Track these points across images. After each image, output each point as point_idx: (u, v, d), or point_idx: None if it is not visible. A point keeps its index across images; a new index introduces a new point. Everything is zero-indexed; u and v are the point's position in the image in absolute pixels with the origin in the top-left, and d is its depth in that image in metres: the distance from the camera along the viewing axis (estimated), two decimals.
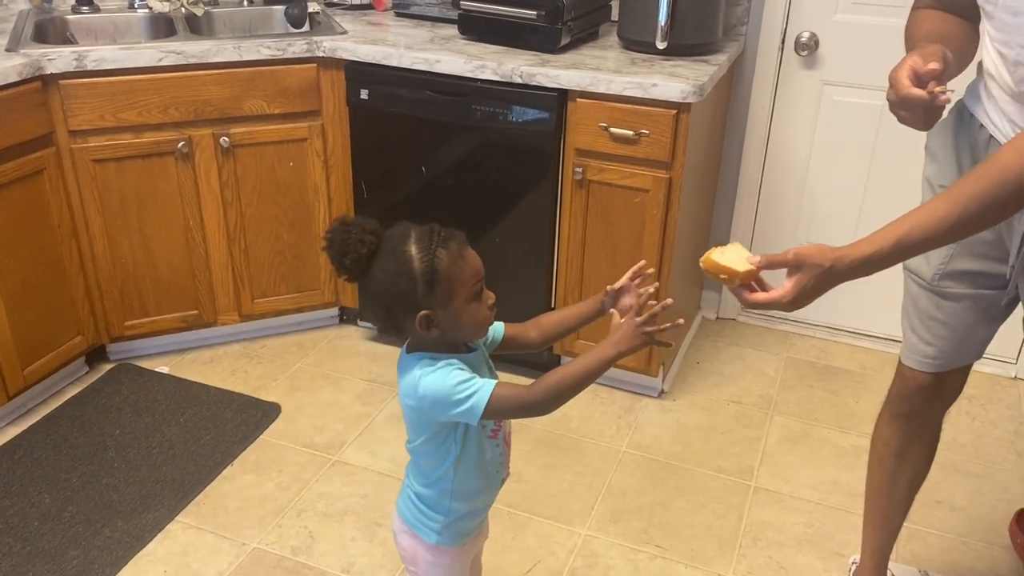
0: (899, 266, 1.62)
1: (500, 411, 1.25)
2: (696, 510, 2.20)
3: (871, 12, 2.54)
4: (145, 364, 2.71)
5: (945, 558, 2.07)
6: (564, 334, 1.47)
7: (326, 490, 2.23)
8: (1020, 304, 1.54)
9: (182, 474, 2.26)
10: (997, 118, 1.39)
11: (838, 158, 2.74)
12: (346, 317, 2.97)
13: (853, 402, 2.62)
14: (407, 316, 1.24)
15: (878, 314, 2.86)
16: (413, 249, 1.23)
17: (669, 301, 1.26)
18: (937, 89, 1.27)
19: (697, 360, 2.83)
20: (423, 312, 1.23)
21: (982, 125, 1.43)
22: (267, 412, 2.51)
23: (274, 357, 2.78)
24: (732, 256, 1.30)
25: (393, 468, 2.29)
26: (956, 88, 1.56)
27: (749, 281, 1.28)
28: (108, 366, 2.69)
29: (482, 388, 1.23)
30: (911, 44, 1.46)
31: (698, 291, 3.02)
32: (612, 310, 1.37)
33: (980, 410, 2.58)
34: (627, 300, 1.39)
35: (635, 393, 2.63)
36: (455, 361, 1.27)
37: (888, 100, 1.32)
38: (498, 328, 1.43)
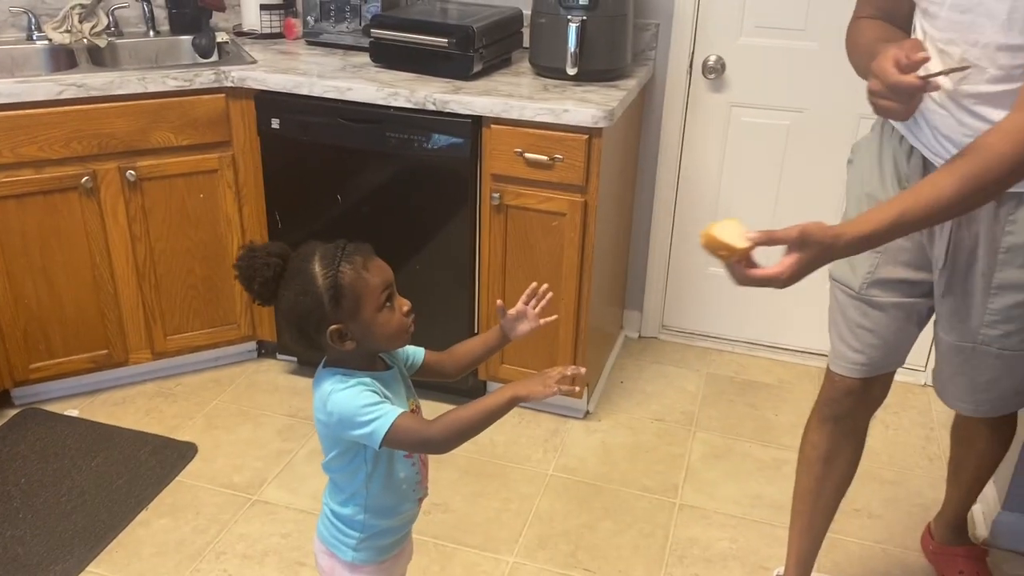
0: (822, 277, 1.67)
1: (400, 442, 1.27)
2: (623, 531, 2.20)
3: (774, 35, 2.63)
4: (53, 408, 2.59)
5: (865, 565, 2.11)
6: (474, 364, 1.50)
7: (246, 531, 2.17)
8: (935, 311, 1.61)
9: (93, 522, 2.17)
10: (917, 129, 1.44)
11: (748, 177, 2.81)
12: (264, 351, 2.90)
13: (772, 415, 2.68)
14: (319, 333, 1.26)
15: (793, 328, 2.93)
16: (316, 267, 1.25)
17: (583, 370, 1.28)
18: (930, 76, 1.28)
19: (621, 379, 2.86)
20: (334, 327, 1.25)
21: (903, 137, 1.48)
22: (183, 452, 2.43)
23: (190, 395, 2.70)
24: (731, 232, 1.30)
25: (315, 505, 2.23)
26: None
27: (746, 257, 1.29)
28: (12, 411, 2.57)
29: (386, 416, 1.24)
30: (858, 51, 1.50)
31: (619, 310, 3.05)
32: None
33: (893, 418, 2.66)
34: (524, 326, 1.44)
35: (560, 415, 2.63)
36: (368, 380, 1.29)
37: (871, 91, 1.31)
38: (418, 353, 1.46)
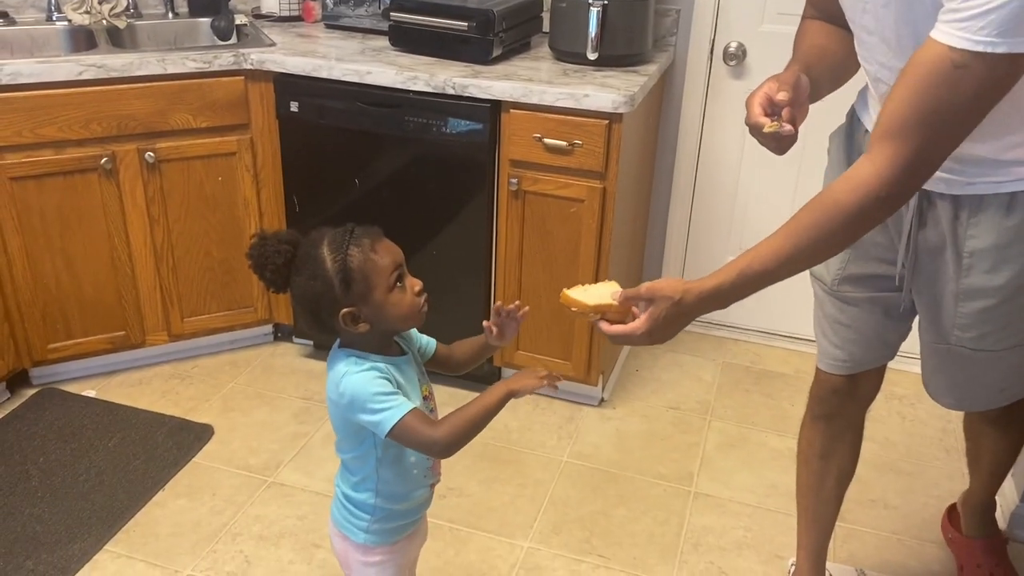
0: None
1: (406, 438, 1.28)
2: (637, 518, 2.20)
3: (795, 22, 2.59)
4: (70, 388, 2.61)
5: (881, 556, 2.11)
6: (472, 362, 1.51)
7: (262, 512, 2.18)
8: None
9: (111, 501, 2.18)
10: (867, 118, 1.45)
11: (768, 165, 2.79)
12: (281, 334, 2.91)
13: (788, 405, 2.66)
14: (331, 316, 1.28)
15: (808, 318, 2.91)
16: (325, 251, 1.27)
17: (562, 378, 1.34)
18: (771, 128, 1.30)
19: (636, 368, 2.85)
20: (346, 310, 1.27)
21: (867, 130, 1.46)
22: (199, 434, 2.44)
23: (206, 377, 2.71)
24: (596, 292, 1.34)
25: (331, 488, 2.21)
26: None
27: (603, 314, 1.31)
28: (31, 391, 2.59)
29: (396, 408, 1.26)
30: (794, 55, 1.50)
31: None
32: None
33: (910, 409, 2.64)
34: (509, 330, 1.43)
35: (575, 403, 2.63)
36: (382, 366, 1.30)
37: (745, 123, 1.34)
38: (431, 343, 1.48)
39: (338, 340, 1.36)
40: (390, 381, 1.29)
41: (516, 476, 2.33)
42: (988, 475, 1.94)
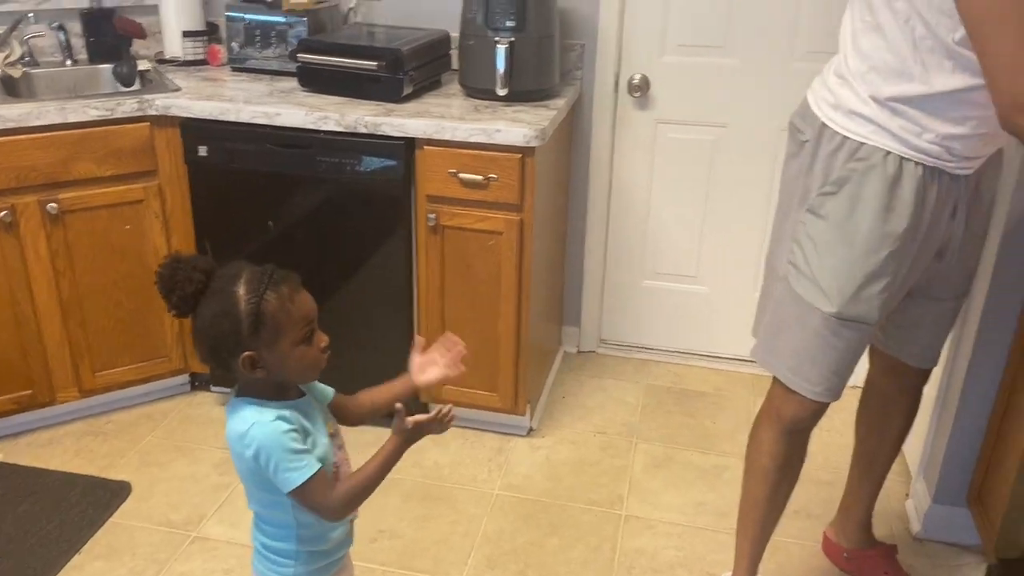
0: (754, 285, 1.70)
1: (303, 500, 1.27)
2: (571, 545, 2.21)
3: (695, 53, 2.70)
4: None
5: (807, 566, 2.17)
6: (375, 414, 1.47)
7: (186, 569, 2.10)
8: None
9: (22, 570, 2.07)
10: None
11: (677, 191, 2.88)
12: (198, 383, 2.83)
13: (710, 423, 2.73)
14: (232, 356, 1.25)
15: (726, 336, 3.00)
16: (241, 290, 1.23)
17: (455, 414, 1.36)
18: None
19: (562, 395, 2.88)
20: (247, 353, 1.24)
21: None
22: (116, 492, 2.35)
23: (121, 432, 2.61)
24: None
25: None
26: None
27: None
28: None
29: (304, 469, 1.25)
30: None
31: (558, 326, 3.08)
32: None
33: (825, 420, 2.71)
34: (433, 374, 1.43)
35: (504, 434, 2.64)
36: (288, 413, 1.27)
37: None
38: (328, 392, 1.44)
39: (236, 388, 1.32)
40: (298, 431, 1.27)
41: (448, 513, 2.32)
42: (885, 468, 2.03)
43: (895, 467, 2.15)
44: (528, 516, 2.31)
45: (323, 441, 1.34)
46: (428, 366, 1.45)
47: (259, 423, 1.25)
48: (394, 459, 1.31)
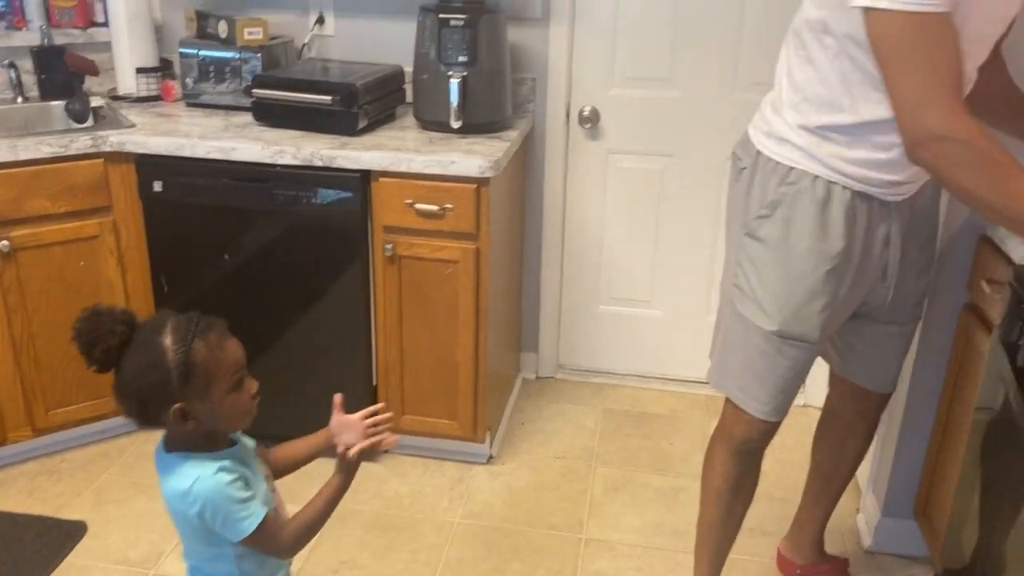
0: (704, 310, 1.75)
1: (255, 544, 1.27)
2: (532, 570, 2.23)
3: (641, 86, 2.79)
4: None
5: None
6: (296, 467, 1.48)
7: None
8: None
9: None
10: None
11: (629, 218, 2.95)
12: None
13: (667, 445, 2.78)
14: (161, 409, 1.22)
15: (680, 359, 3.06)
16: (167, 340, 1.21)
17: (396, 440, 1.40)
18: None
19: (521, 421, 2.91)
20: (178, 405, 1.22)
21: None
22: (71, 532, 2.31)
23: (76, 471, 2.58)
24: None
25: None
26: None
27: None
28: None
29: (254, 516, 1.25)
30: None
31: (516, 353, 3.11)
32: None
33: (777, 438, 2.77)
34: (350, 437, 1.39)
35: (464, 462, 2.65)
36: (228, 463, 1.26)
37: None
38: (251, 443, 1.42)
39: (162, 443, 1.30)
40: (241, 479, 1.26)
41: (410, 542, 2.32)
42: (842, 486, 2.09)
43: None
44: (490, 543, 2.33)
45: (261, 487, 1.34)
46: (345, 429, 1.41)
47: (201, 478, 1.23)
48: (341, 494, 1.33)
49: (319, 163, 2.33)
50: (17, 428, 2.52)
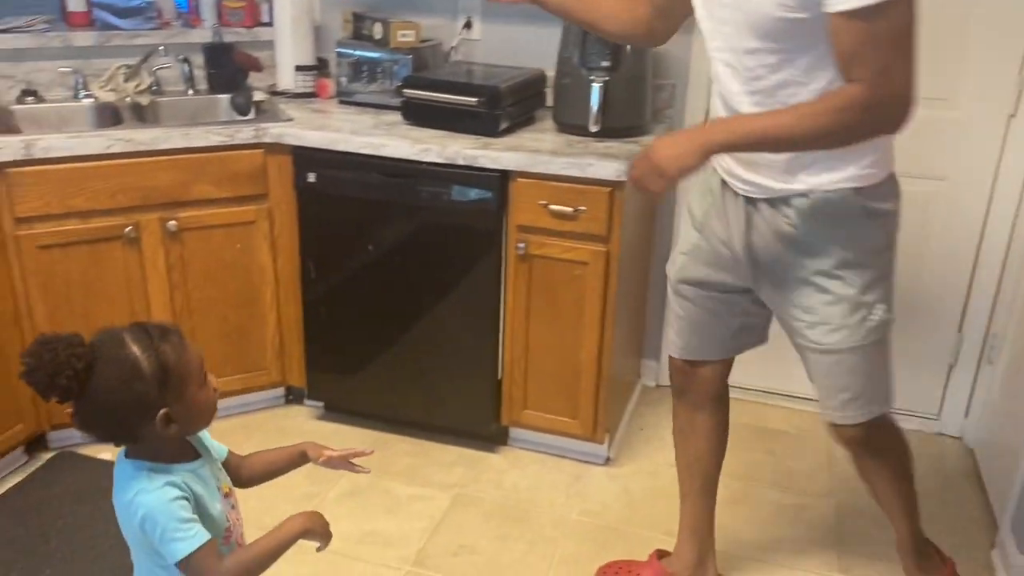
0: None
1: (190, 569, 1.24)
2: None
3: None
4: (87, 451, 2.65)
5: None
6: (271, 476, 1.51)
7: (276, 571, 2.20)
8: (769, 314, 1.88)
9: (127, 562, 2.21)
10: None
11: None
12: (292, 397, 2.97)
13: (791, 462, 2.72)
14: (143, 420, 1.22)
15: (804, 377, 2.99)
16: (135, 350, 1.20)
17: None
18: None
19: (640, 427, 2.91)
20: (163, 411, 1.22)
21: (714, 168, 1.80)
22: None
23: (219, 439, 2.75)
24: None
25: (346, 547, 2.28)
26: None
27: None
28: (48, 455, 2.63)
29: (191, 540, 1.22)
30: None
31: (638, 360, 3.12)
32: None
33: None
34: (330, 454, 1.51)
35: (582, 461, 2.69)
36: (178, 479, 1.25)
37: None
38: (223, 451, 1.45)
39: (123, 450, 1.28)
40: (188, 498, 1.25)
41: (526, 533, 2.38)
42: (897, 510, 2.00)
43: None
44: (605, 542, 2.35)
45: (216, 506, 1.33)
46: (332, 462, 1.51)
47: (144, 490, 1.22)
48: (292, 541, 1.31)
49: (461, 162, 2.41)
50: None
